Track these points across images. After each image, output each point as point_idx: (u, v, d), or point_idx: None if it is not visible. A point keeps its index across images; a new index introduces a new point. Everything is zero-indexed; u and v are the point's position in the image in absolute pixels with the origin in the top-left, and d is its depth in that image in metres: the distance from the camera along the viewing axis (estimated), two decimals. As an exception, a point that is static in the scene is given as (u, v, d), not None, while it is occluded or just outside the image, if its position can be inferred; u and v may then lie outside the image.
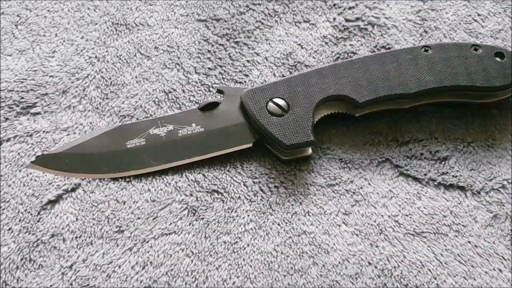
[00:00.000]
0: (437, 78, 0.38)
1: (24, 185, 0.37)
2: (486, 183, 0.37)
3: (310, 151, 0.38)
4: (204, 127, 0.38)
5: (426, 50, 0.39)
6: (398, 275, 0.34)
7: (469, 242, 0.35)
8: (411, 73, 0.38)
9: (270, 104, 0.38)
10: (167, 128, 0.38)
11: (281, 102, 0.38)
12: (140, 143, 0.38)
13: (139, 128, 0.39)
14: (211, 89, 0.41)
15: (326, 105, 0.38)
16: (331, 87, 0.38)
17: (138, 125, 0.39)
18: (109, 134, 0.39)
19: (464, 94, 0.39)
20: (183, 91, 0.41)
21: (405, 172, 0.38)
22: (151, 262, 0.35)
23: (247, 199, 0.37)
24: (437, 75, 0.38)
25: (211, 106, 0.39)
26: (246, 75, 0.41)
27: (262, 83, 0.41)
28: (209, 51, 0.42)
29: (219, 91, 0.39)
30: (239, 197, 0.37)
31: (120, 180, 0.37)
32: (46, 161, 0.38)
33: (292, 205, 0.37)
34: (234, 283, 0.34)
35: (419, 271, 0.35)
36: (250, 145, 0.38)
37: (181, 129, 0.38)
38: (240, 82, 0.41)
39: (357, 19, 0.43)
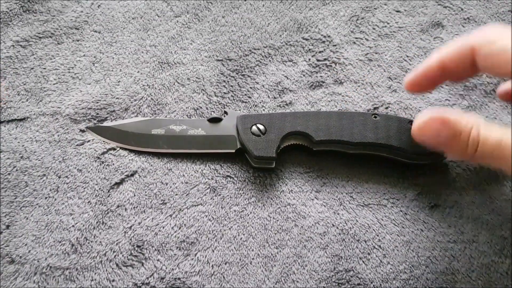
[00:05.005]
0: (376, 136, 0.36)
1: (98, 171, 0.37)
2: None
3: (273, 164, 0.36)
4: (206, 132, 0.38)
5: (375, 117, 0.37)
6: (352, 233, 0.35)
7: (401, 211, 0.36)
8: (359, 128, 0.36)
9: (254, 127, 0.37)
10: (181, 127, 0.38)
11: (261, 127, 0.37)
12: (161, 132, 0.38)
13: (163, 123, 0.38)
14: (225, 107, 0.41)
15: (294, 137, 0.37)
16: (299, 126, 0.37)
17: (163, 121, 0.39)
18: (142, 122, 0.38)
19: (396, 153, 0.36)
20: (207, 108, 0.41)
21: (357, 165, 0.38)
22: (184, 224, 0.35)
23: (250, 181, 0.37)
24: (377, 134, 0.36)
25: (215, 120, 0.38)
26: (249, 97, 0.41)
27: (255, 110, 0.40)
28: (224, 81, 0.42)
29: (225, 112, 0.39)
30: (245, 180, 0.37)
31: (164, 168, 0.37)
32: (96, 130, 0.38)
33: (280, 185, 0.37)
34: (241, 238, 0.35)
35: (366, 230, 0.35)
36: (233, 151, 0.37)
37: (190, 130, 0.38)
38: (246, 102, 0.41)
39: (325, 59, 0.43)
